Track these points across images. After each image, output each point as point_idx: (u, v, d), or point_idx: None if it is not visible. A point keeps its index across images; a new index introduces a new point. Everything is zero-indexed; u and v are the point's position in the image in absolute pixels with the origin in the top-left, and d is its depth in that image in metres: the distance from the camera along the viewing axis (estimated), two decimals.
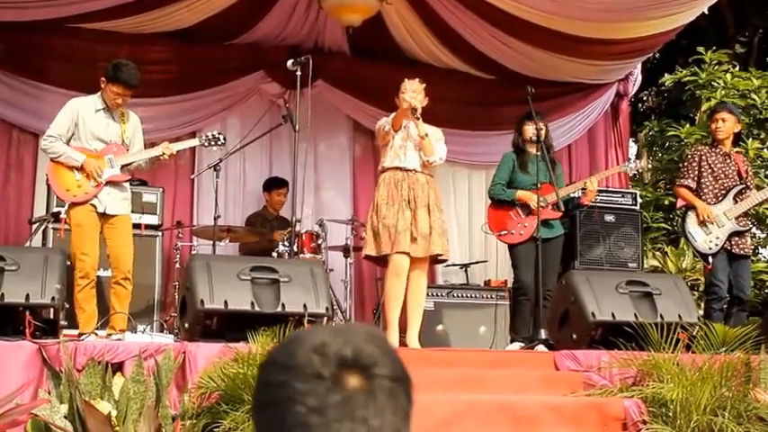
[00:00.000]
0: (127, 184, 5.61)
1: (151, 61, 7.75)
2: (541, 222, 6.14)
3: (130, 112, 5.67)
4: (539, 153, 6.25)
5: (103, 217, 5.42)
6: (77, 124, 5.44)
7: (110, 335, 5.20)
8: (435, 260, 6.08)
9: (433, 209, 5.77)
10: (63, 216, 5.55)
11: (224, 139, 6.09)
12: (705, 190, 6.46)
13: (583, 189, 6.61)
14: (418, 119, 5.78)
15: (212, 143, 6.00)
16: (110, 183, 5.44)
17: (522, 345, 6.06)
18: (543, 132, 6.30)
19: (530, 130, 6.34)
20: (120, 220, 5.47)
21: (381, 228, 5.68)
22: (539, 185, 6.18)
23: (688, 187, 6.50)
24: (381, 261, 5.95)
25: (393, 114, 5.88)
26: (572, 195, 6.34)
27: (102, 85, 5.47)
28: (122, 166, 5.51)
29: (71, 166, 5.39)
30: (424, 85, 5.96)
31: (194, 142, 6.14)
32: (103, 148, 5.47)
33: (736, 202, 6.42)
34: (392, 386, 1.14)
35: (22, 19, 7.14)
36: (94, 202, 5.40)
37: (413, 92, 5.83)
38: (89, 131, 5.45)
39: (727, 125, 6.51)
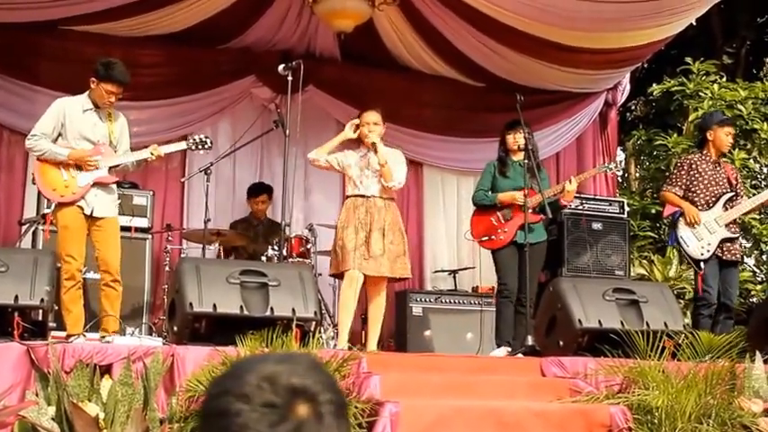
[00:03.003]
0: (114, 186, 5.56)
1: (143, 64, 7.75)
2: (523, 227, 6.23)
3: (118, 112, 5.63)
4: (525, 161, 6.32)
5: (90, 219, 5.36)
6: (64, 124, 5.38)
7: (103, 337, 5.18)
8: (397, 279, 6.19)
9: (388, 233, 5.92)
10: (49, 215, 5.49)
11: (211, 143, 6.10)
12: (696, 197, 6.51)
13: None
14: (377, 151, 5.99)
15: (200, 147, 6.01)
16: (97, 184, 5.39)
17: (509, 350, 6.09)
18: (524, 140, 6.40)
19: (510, 138, 6.49)
20: (107, 223, 5.41)
21: (339, 248, 5.93)
22: (528, 189, 6.24)
23: (674, 194, 6.56)
24: (341, 277, 6.12)
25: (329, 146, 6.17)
26: (554, 198, 6.38)
27: (93, 85, 5.40)
28: (110, 168, 5.47)
29: (58, 161, 5.33)
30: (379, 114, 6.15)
31: (182, 145, 6.14)
32: (91, 150, 5.40)
33: (727, 209, 6.48)
34: (336, 411, 1.22)
35: (14, 20, 7.14)
36: (81, 203, 5.33)
37: (374, 124, 6.06)
38: (76, 131, 5.38)
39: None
